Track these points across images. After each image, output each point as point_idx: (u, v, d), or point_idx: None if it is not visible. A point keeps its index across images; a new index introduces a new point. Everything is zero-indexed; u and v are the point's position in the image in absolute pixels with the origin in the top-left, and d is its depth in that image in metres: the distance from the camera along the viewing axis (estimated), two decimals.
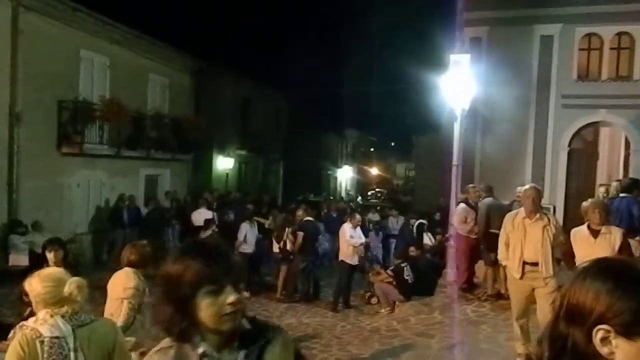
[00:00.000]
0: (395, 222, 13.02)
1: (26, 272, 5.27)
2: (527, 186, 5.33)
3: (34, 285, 2.49)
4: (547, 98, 12.59)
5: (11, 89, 10.40)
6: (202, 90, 17.25)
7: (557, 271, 4.96)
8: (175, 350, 1.40)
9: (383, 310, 8.27)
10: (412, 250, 9.33)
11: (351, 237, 8.71)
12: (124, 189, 13.18)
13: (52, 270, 2.62)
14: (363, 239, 9.06)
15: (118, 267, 4.22)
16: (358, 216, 9.37)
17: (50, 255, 4.64)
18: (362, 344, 6.68)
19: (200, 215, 11.63)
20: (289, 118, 23.88)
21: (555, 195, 12.49)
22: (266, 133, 21.02)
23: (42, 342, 2.32)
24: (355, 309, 8.80)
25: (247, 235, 9.81)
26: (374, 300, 8.94)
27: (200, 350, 1.38)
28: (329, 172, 33.70)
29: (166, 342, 1.43)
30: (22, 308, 4.98)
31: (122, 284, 4.03)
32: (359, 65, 33.10)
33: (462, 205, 8.07)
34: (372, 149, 46.38)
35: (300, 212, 9.75)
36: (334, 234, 9.97)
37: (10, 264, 9.32)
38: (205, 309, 1.36)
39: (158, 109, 14.76)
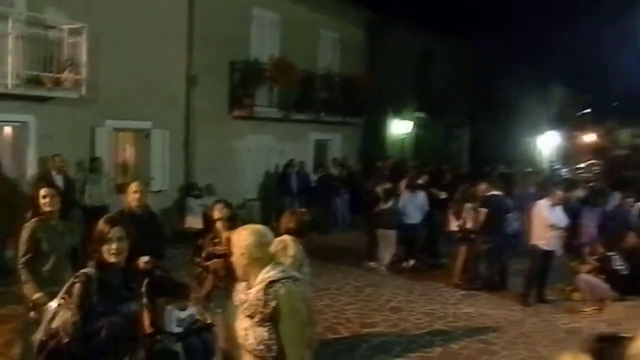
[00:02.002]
0: (609, 202, 11.65)
1: (199, 234, 6.02)
2: None
3: (244, 236, 2.85)
4: None
5: (187, 52, 11.80)
6: (376, 45, 17.42)
7: None
8: None
9: (587, 309, 7.78)
10: (630, 239, 8.38)
11: (548, 217, 8.12)
12: (293, 154, 14.10)
13: (261, 227, 2.96)
14: (563, 221, 8.35)
15: (277, 234, 4.54)
16: (559, 192, 8.62)
17: (216, 212, 5.22)
18: (556, 345, 6.30)
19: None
20: (478, 75, 22.73)
21: None
22: (450, 93, 20.33)
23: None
24: (551, 305, 8.27)
25: (406, 205, 10.04)
26: (576, 295, 8.38)
27: None
28: (527, 139, 31.50)
29: None
30: (193, 268, 5.73)
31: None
32: (565, 2, 29.52)
33: None
34: (585, 111, 41.91)
35: (483, 186, 9.34)
36: (527, 212, 9.36)
37: (186, 226, 10.70)
38: None
39: (328, 68, 15.34)
